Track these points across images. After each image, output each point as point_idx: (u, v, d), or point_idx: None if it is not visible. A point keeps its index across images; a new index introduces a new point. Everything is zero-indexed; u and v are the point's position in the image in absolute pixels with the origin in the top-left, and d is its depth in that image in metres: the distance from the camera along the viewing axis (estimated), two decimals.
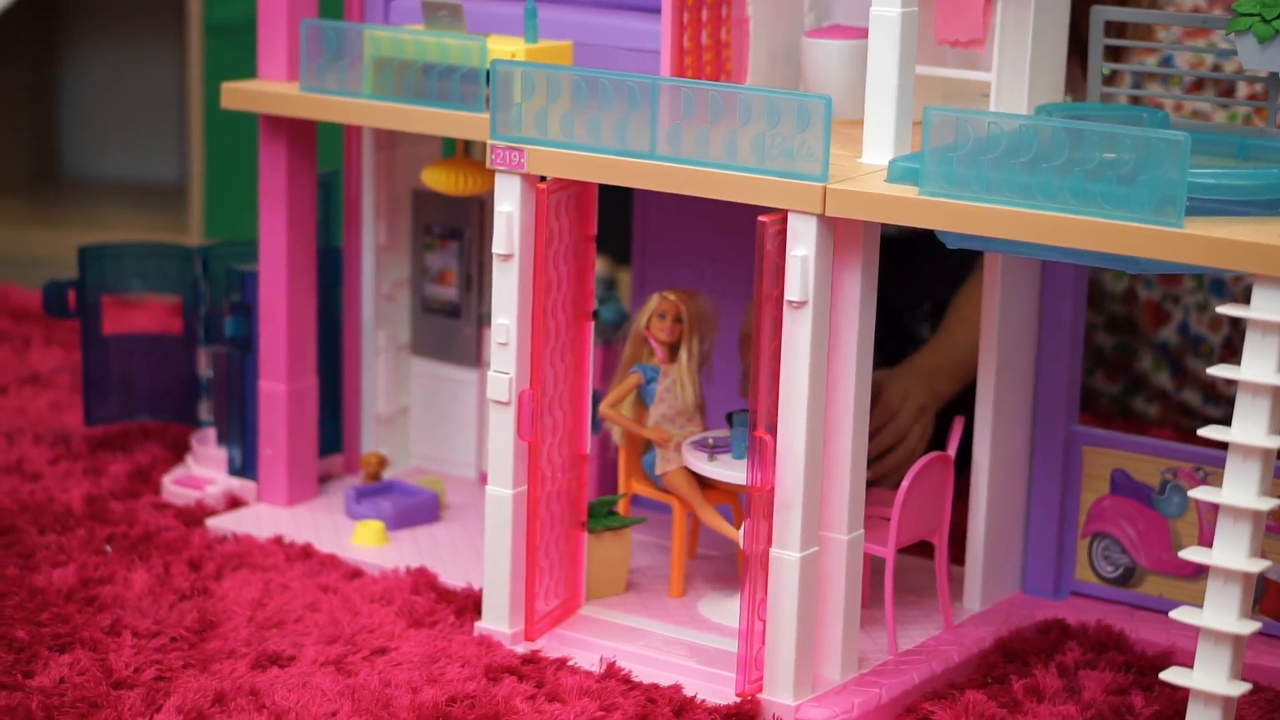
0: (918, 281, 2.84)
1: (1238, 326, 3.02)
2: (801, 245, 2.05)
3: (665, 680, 2.17)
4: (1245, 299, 2.77)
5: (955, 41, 2.20)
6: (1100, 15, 2.25)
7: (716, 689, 2.15)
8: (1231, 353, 3.04)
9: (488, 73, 2.33)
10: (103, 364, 2.87)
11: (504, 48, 2.35)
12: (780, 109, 2.05)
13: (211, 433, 2.80)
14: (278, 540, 2.54)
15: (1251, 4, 2.05)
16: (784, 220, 2.06)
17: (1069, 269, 2.35)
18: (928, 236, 2.10)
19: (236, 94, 2.57)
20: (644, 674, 2.18)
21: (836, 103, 2.22)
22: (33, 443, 2.89)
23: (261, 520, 2.62)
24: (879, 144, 2.10)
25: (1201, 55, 3.04)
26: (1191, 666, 1.93)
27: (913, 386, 2.60)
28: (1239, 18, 2.06)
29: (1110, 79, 2.35)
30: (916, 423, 2.58)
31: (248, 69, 2.64)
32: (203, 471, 2.76)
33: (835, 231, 2.07)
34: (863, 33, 2.24)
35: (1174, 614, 1.94)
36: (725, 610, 2.31)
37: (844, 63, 2.31)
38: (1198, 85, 3.06)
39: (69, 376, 3.23)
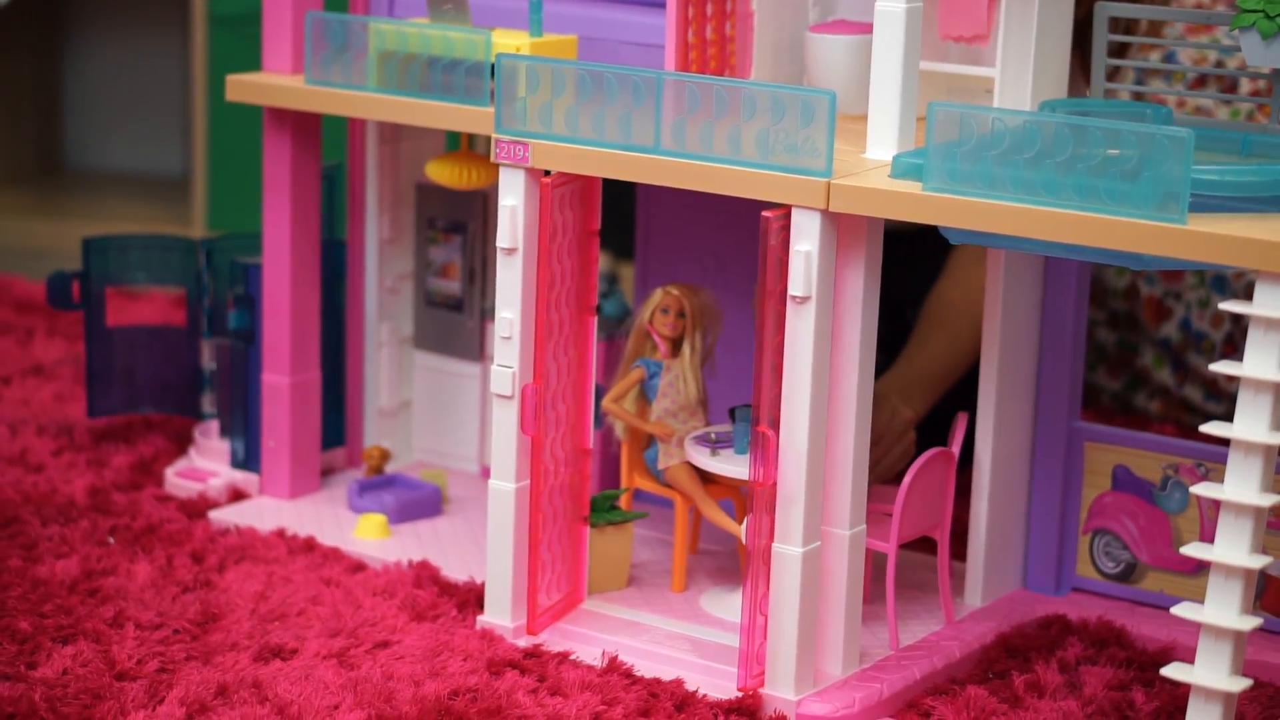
0: (920, 275, 2.84)
1: (1239, 323, 3.02)
2: (805, 240, 2.05)
3: (667, 675, 2.17)
4: (1247, 295, 2.77)
5: (959, 37, 2.20)
6: (1104, 11, 2.25)
7: (718, 684, 2.15)
8: (1233, 349, 3.04)
9: (492, 66, 2.33)
10: (106, 356, 2.87)
11: (509, 41, 2.35)
12: (784, 104, 2.05)
13: (214, 425, 2.80)
14: (280, 533, 2.55)
15: (1255, 0, 2.05)
16: (788, 215, 2.06)
17: (1071, 265, 2.35)
18: (930, 231, 2.10)
19: (241, 86, 2.57)
20: (646, 668, 2.18)
21: (841, 98, 2.23)
22: (36, 434, 2.89)
23: (264, 513, 2.63)
24: (883, 139, 2.10)
25: (1205, 51, 3.04)
26: (1192, 662, 1.93)
27: (897, 406, 2.61)
28: (1242, 14, 2.06)
29: (1113, 75, 2.35)
30: (899, 442, 2.59)
31: (252, 61, 2.64)
32: (205, 464, 2.76)
33: (839, 227, 2.07)
34: (867, 28, 2.24)
35: (1175, 610, 1.94)
36: (727, 605, 2.31)
37: (848, 58, 2.31)
38: (1201, 81, 3.06)
39: (72, 368, 3.24)
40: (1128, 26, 2.86)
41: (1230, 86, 3.03)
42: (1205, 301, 3.07)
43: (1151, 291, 3.12)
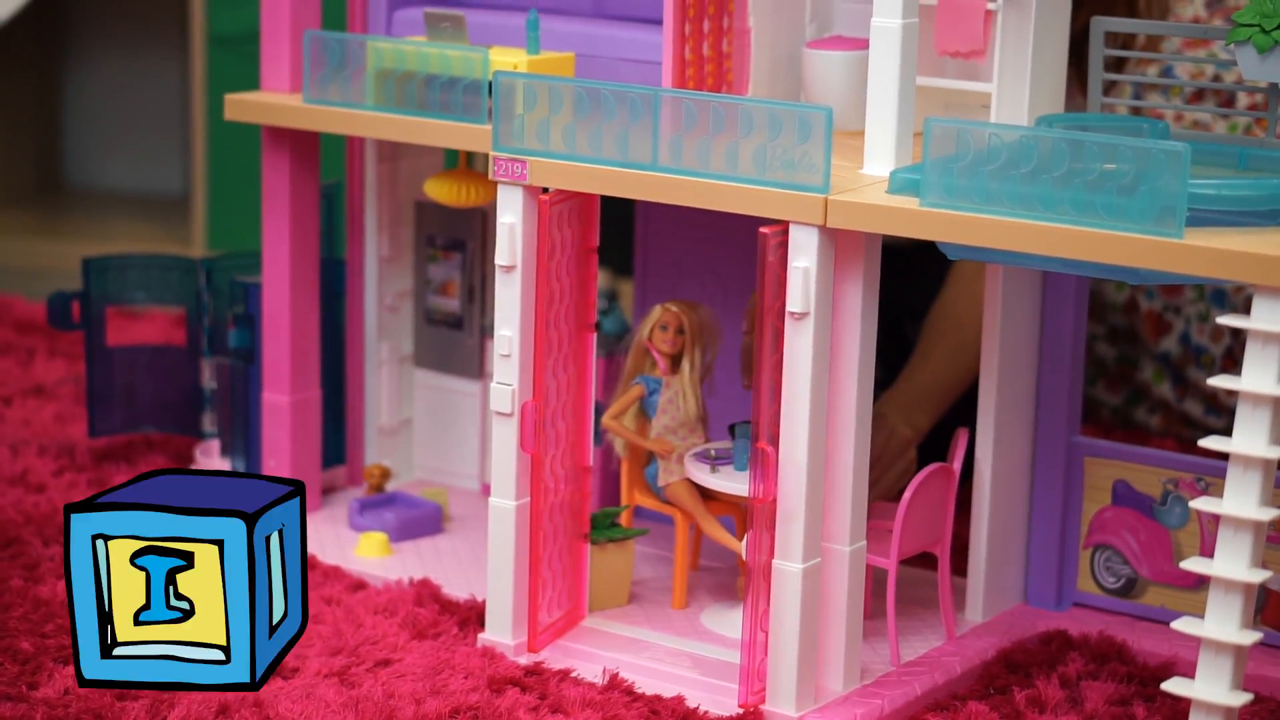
0: (919, 291, 2.85)
1: (1239, 337, 3.02)
2: (803, 256, 2.05)
3: (668, 691, 2.17)
4: (1246, 309, 2.77)
5: (956, 52, 2.21)
6: (1101, 25, 2.25)
7: (719, 700, 2.15)
8: (1233, 363, 3.04)
9: (490, 84, 2.33)
10: (107, 376, 2.87)
11: (506, 59, 2.36)
12: (781, 120, 2.05)
13: (215, 444, 2.81)
14: None
15: (1251, 15, 2.05)
16: (785, 232, 2.06)
17: (1070, 280, 2.36)
18: (929, 246, 2.10)
19: (239, 105, 2.57)
20: (647, 685, 2.18)
21: (837, 114, 2.23)
22: (37, 454, 2.89)
23: None
24: (880, 155, 2.10)
25: (1201, 66, 3.04)
26: (1193, 677, 1.93)
27: (897, 424, 2.61)
28: (1239, 28, 2.07)
29: (1110, 89, 2.35)
30: (898, 460, 2.59)
31: (251, 80, 2.65)
32: None
33: (837, 243, 2.07)
34: (864, 44, 2.25)
35: (1175, 624, 1.94)
36: (728, 621, 2.31)
37: (845, 74, 2.31)
38: (1198, 96, 3.06)
39: (73, 388, 3.24)
40: (1124, 41, 2.86)
41: (1227, 101, 3.04)
42: (1205, 316, 3.07)
43: (1151, 306, 3.12)
